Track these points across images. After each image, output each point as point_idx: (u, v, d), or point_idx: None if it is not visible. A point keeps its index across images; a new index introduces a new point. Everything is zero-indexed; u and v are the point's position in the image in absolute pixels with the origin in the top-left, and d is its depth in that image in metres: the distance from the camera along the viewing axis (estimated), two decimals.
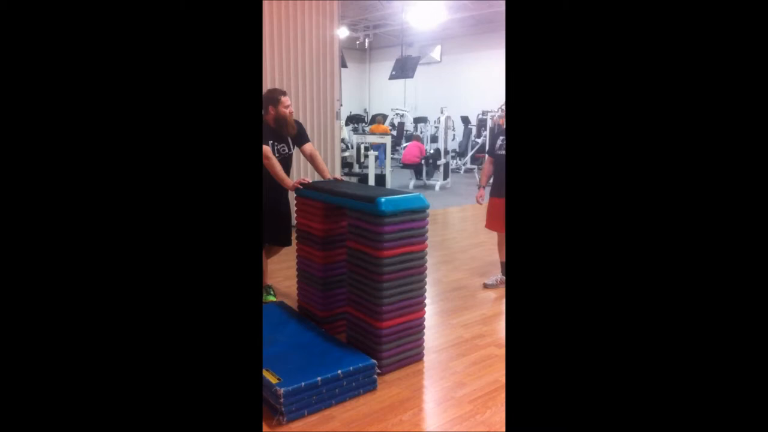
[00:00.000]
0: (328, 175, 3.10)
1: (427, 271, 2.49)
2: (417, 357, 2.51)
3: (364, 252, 2.40)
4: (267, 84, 4.69)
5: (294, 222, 3.05)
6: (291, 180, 2.92)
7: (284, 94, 3.00)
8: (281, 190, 3.04)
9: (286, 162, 3.10)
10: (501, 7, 10.48)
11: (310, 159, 3.15)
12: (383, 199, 2.26)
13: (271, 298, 3.23)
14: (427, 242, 2.46)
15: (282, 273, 3.53)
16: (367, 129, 10.80)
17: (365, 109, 15.41)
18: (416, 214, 2.38)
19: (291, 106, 3.05)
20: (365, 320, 2.43)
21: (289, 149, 3.12)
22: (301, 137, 3.16)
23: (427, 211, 2.43)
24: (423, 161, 8.90)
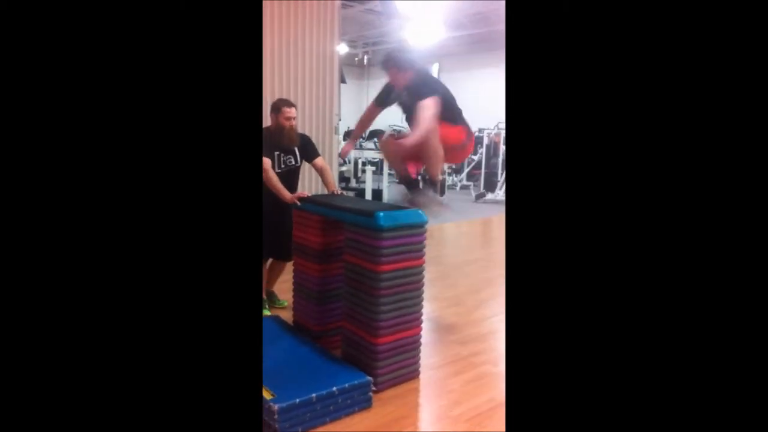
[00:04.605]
0: (335, 189, 3.10)
1: (424, 287, 2.48)
2: (413, 374, 2.48)
3: (361, 266, 2.38)
4: (267, 97, 4.70)
5: None
6: (290, 194, 2.91)
7: (289, 105, 2.98)
8: (283, 204, 3.03)
9: (292, 174, 3.08)
10: (498, 27, 10.61)
11: (321, 173, 3.18)
12: (382, 214, 2.25)
13: (266, 312, 3.20)
14: (425, 258, 2.44)
15: (277, 287, 3.50)
16: (365, 144, 10.83)
17: None
18: (414, 229, 2.37)
19: (295, 119, 3.01)
20: (361, 335, 2.40)
21: (296, 161, 3.11)
22: (309, 151, 3.17)
23: (425, 226, 2.42)
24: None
